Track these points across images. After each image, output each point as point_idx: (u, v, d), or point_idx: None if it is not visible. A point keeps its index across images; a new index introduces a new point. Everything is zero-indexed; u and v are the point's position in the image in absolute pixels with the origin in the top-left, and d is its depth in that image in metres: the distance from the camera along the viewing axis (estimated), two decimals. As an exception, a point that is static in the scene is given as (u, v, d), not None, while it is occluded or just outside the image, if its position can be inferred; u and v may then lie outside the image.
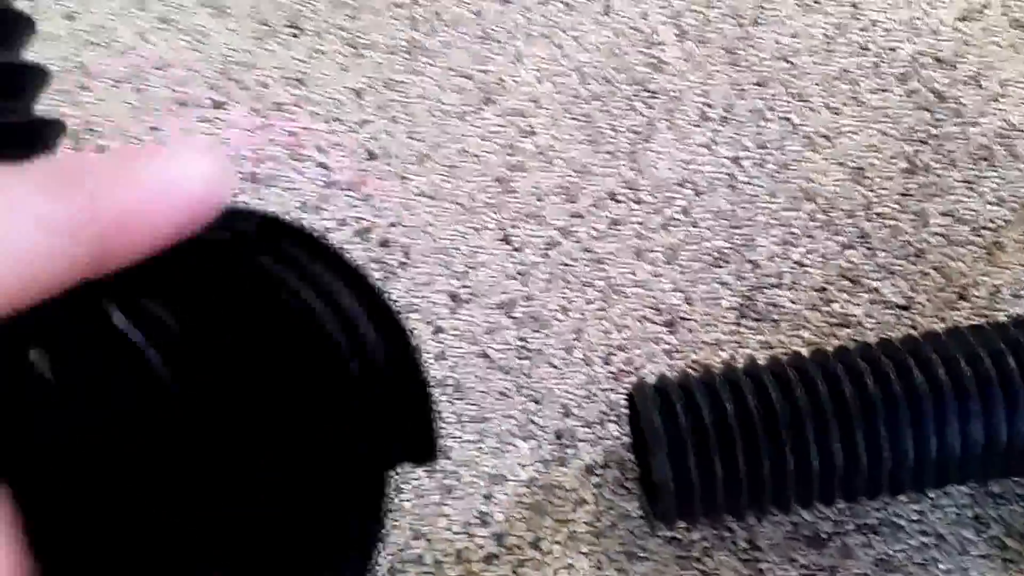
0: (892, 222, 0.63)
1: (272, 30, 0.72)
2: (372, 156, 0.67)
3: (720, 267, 0.62)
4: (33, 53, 0.70)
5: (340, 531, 0.23)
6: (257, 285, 0.22)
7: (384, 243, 0.63)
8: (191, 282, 0.22)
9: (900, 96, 0.68)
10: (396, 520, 0.54)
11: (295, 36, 0.72)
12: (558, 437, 0.56)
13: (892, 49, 0.70)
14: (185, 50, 0.71)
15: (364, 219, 0.64)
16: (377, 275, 0.61)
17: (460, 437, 0.56)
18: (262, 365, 0.22)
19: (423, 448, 0.24)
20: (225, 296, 0.22)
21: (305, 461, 0.23)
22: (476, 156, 0.67)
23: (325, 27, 0.72)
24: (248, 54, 0.71)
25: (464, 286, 0.61)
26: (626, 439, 0.56)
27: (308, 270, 0.22)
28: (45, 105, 0.68)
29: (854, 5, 0.72)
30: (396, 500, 0.55)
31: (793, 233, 0.63)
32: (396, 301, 0.23)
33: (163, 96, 0.70)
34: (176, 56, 0.71)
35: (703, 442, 0.49)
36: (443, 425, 0.57)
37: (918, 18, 0.70)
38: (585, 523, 0.54)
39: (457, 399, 0.57)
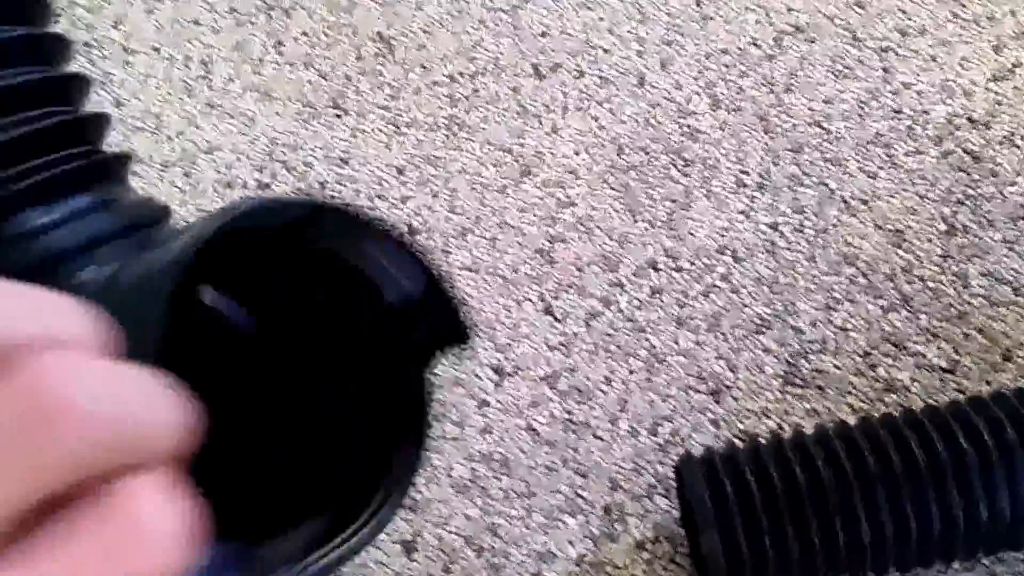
0: (933, 284, 0.63)
1: (316, 112, 0.74)
2: (413, 231, 0.68)
3: (763, 334, 0.62)
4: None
5: (397, 423, 0.31)
6: (312, 260, 0.31)
7: (429, 318, 0.64)
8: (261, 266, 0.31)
9: (936, 158, 0.68)
10: (447, 596, 0.55)
11: (338, 116, 0.74)
12: (607, 512, 0.57)
13: (925, 112, 0.71)
14: (232, 133, 0.74)
15: (408, 295, 0.65)
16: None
17: (508, 514, 0.57)
18: (323, 311, 0.32)
19: (457, 331, 0.32)
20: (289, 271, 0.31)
21: (363, 370, 0.32)
22: (516, 228, 0.68)
23: (367, 107, 0.74)
24: (293, 135, 0.73)
25: (508, 359, 0.62)
26: (675, 512, 0.56)
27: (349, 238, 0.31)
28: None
29: (885, 70, 0.73)
30: (447, 576, 0.55)
31: (834, 298, 0.63)
32: (425, 254, 0.27)
33: (211, 179, 0.72)
34: (223, 139, 0.73)
35: (752, 515, 0.50)
36: (489, 502, 0.57)
37: (950, 80, 0.71)
38: (636, 596, 0.55)
39: (504, 475, 0.58)
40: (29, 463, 0.17)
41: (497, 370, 0.62)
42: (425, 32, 0.77)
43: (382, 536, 0.56)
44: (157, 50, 0.79)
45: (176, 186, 0.71)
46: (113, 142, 0.74)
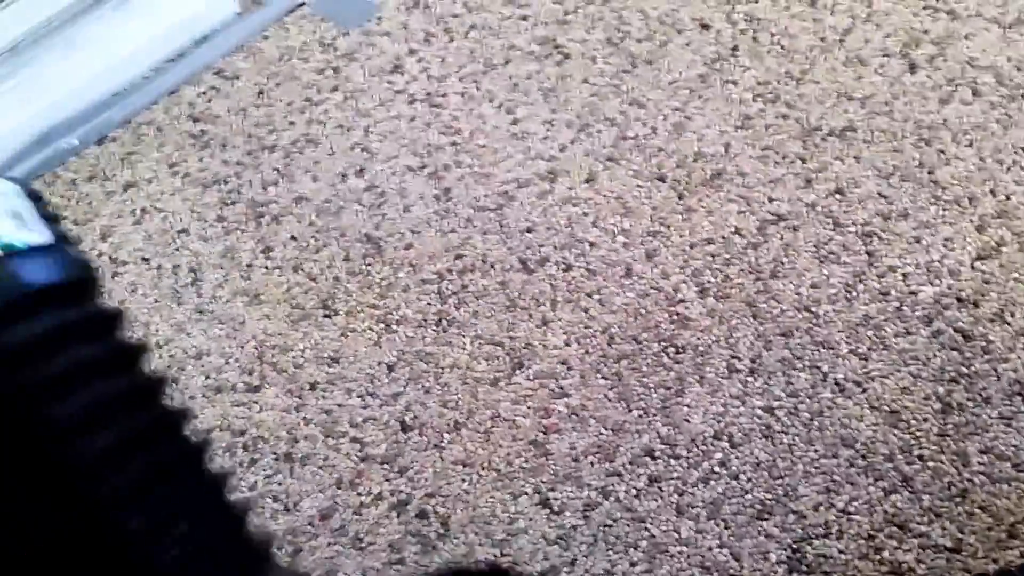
0: (933, 464, 0.66)
1: (306, 312, 0.78)
2: (406, 428, 0.71)
3: (765, 519, 0.64)
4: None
5: None
6: None
7: (422, 515, 0.66)
8: None
9: (926, 338, 0.72)
10: None
11: (328, 317, 0.78)
12: None
13: (913, 293, 0.75)
14: (221, 338, 0.77)
15: (400, 491, 0.67)
16: (415, 549, 0.64)
17: None
18: None
19: None
20: None
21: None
22: (510, 421, 0.70)
23: (357, 306, 0.78)
24: (283, 337, 0.77)
25: (505, 554, 0.64)
26: None
27: None
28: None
29: (869, 253, 0.77)
30: None
31: (835, 480, 0.65)
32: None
33: (199, 384, 0.75)
34: (212, 344, 0.77)
35: None
36: None
37: (935, 261, 0.76)
38: None
39: (505, 674, 0.59)
40: None
41: (494, 568, 0.63)
42: (412, 232, 0.82)
43: None
44: (146, 260, 0.83)
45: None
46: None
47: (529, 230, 0.81)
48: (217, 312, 0.79)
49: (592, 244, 0.80)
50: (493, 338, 0.76)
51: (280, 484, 0.68)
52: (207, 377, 0.75)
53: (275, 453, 0.70)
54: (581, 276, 0.79)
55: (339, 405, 0.73)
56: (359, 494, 0.67)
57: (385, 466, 0.69)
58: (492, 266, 0.80)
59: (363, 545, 0.64)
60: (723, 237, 0.79)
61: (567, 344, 0.75)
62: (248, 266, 0.82)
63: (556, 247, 0.80)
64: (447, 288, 0.79)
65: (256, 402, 0.73)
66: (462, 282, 0.79)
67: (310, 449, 0.70)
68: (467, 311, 0.77)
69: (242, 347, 0.77)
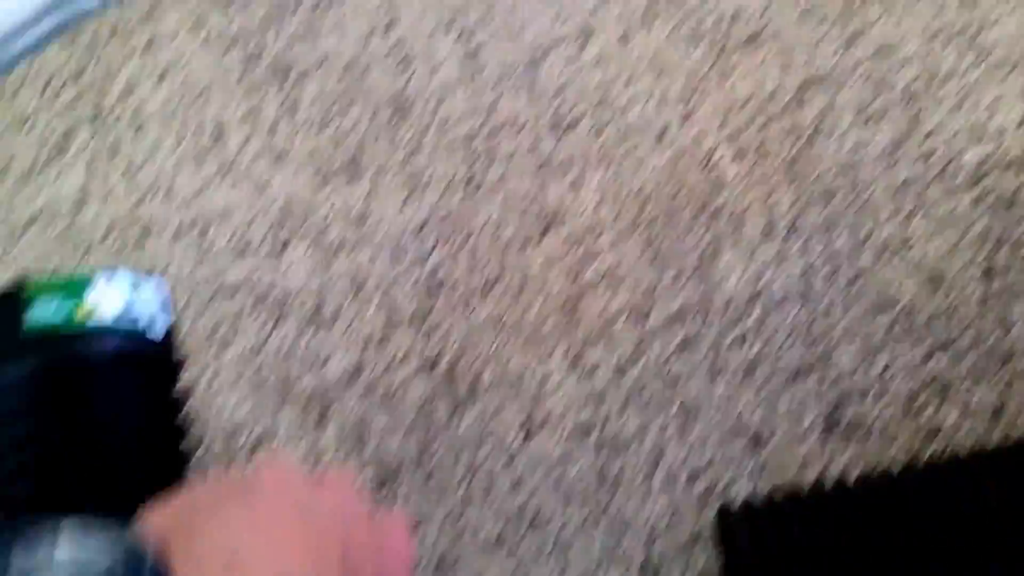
0: (974, 329, 0.63)
1: (331, 173, 0.75)
2: (435, 288, 0.68)
3: (800, 382, 0.61)
4: (95, 211, 0.73)
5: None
6: None
7: (451, 374, 0.64)
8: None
9: (969, 201, 0.68)
10: (479, 661, 0.53)
11: (355, 178, 0.74)
12: (644, 568, 0.55)
13: (956, 156, 0.71)
14: (246, 198, 0.74)
15: (430, 351, 0.65)
16: (445, 407, 0.62)
17: (540, 572, 0.56)
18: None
19: None
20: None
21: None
22: (540, 282, 0.67)
23: (384, 167, 0.75)
24: (308, 198, 0.74)
25: (536, 414, 0.61)
26: (717, 562, 0.55)
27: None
28: (105, 256, 0.71)
29: (912, 116, 0.73)
30: (478, 640, 0.54)
31: (873, 344, 0.63)
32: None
33: (224, 244, 0.72)
34: (237, 204, 0.74)
35: (797, 567, 0.48)
36: (521, 561, 0.56)
37: (980, 123, 0.72)
38: (679, 656, 0.53)
39: (535, 531, 0.57)
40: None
41: (525, 426, 0.61)
42: (441, 93, 0.78)
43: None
44: (170, 119, 0.80)
45: (189, 251, 0.71)
46: (124, 209, 0.74)
47: (560, 91, 0.77)
48: (241, 172, 0.76)
49: (625, 106, 0.76)
50: (523, 200, 0.72)
51: (308, 344, 0.66)
52: (232, 237, 0.72)
53: (303, 313, 0.67)
54: (613, 138, 0.75)
55: (367, 265, 0.70)
56: (388, 353, 0.65)
57: (414, 326, 0.66)
58: (522, 128, 0.76)
59: (392, 403, 0.62)
60: (761, 99, 0.75)
61: (599, 207, 0.71)
62: (272, 126, 0.78)
63: (588, 108, 0.76)
64: (476, 149, 0.75)
65: (283, 263, 0.70)
66: (491, 143, 0.75)
67: (338, 309, 0.68)
68: (496, 172, 0.74)
69: (267, 207, 0.74)
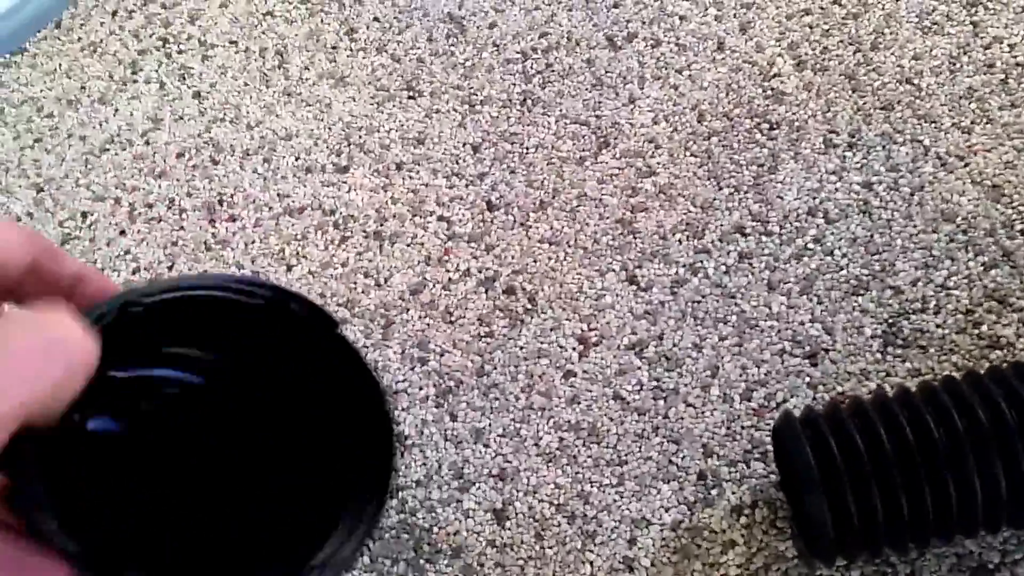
0: (1039, 238, 0.59)
1: (390, 95, 0.73)
2: (492, 207, 0.66)
3: (860, 295, 0.59)
4: (167, 133, 0.72)
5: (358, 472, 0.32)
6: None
7: (509, 291, 0.62)
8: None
9: (1035, 109, 0.64)
10: (539, 569, 0.52)
11: (412, 99, 0.72)
12: (701, 478, 0.54)
13: (1019, 64, 0.67)
14: (309, 120, 0.73)
15: (488, 268, 0.63)
16: (503, 323, 0.60)
17: (599, 481, 0.54)
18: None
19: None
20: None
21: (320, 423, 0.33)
22: (596, 199, 0.65)
23: (441, 87, 0.72)
24: (368, 119, 0.72)
25: (592, 329, 0.60)
26: (774, 476, 0.53)
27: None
28: (180, 182, 0.70)
29: (974, 24, 0.69)
30: (538, 549, 0.53)
31: (934, 256, 0.60)
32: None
33: (290, 164, 0.71)
34: (301, 126, 0.72)
35: (860, 476, 0.46)
36: (579, 470, 0.55)
37: (1047, 29, 0.67)
38: (737, 566, 0.51)
39: (593, 443, 0.55)
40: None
41: (582, 340, 0.59)
42: (496, 10, 0.75)
43: (473, 505, 0.54)
44: (234, 43, 0.78)
45: (257, 172, 0.70)
46: (194, 132, 0.73)
47: (616, 5, 0.74)
48: (304, 94, 0.74)
49: (682, 18, 0.73)
50: (579, 117, 0.70)
51: (371, 261, 0.64)
52: (297, 158, 0.71)
53: (365, 231, 0.66)
54: (670, 52, 0.71)
55: (425, 185, 0.68)
56: (447, 271, 0.64)
57: (472, 244, 0.65)
58: (577, 43, 0.73)
59: (452, 319, 0.61)
60: (821, 8, 0.71)
61: (655, 122, 0.69)
62: (333, 48, 0.76)
63: (644, 22, 0.73)
64: (532, 67, 0.73)
65: (345, 182, 0.69)
66: (547, 60, 0.73)
67: (398, 227, 0.66)
68: (552, 90, 0.71)
69: (330, 128, 0.72)
